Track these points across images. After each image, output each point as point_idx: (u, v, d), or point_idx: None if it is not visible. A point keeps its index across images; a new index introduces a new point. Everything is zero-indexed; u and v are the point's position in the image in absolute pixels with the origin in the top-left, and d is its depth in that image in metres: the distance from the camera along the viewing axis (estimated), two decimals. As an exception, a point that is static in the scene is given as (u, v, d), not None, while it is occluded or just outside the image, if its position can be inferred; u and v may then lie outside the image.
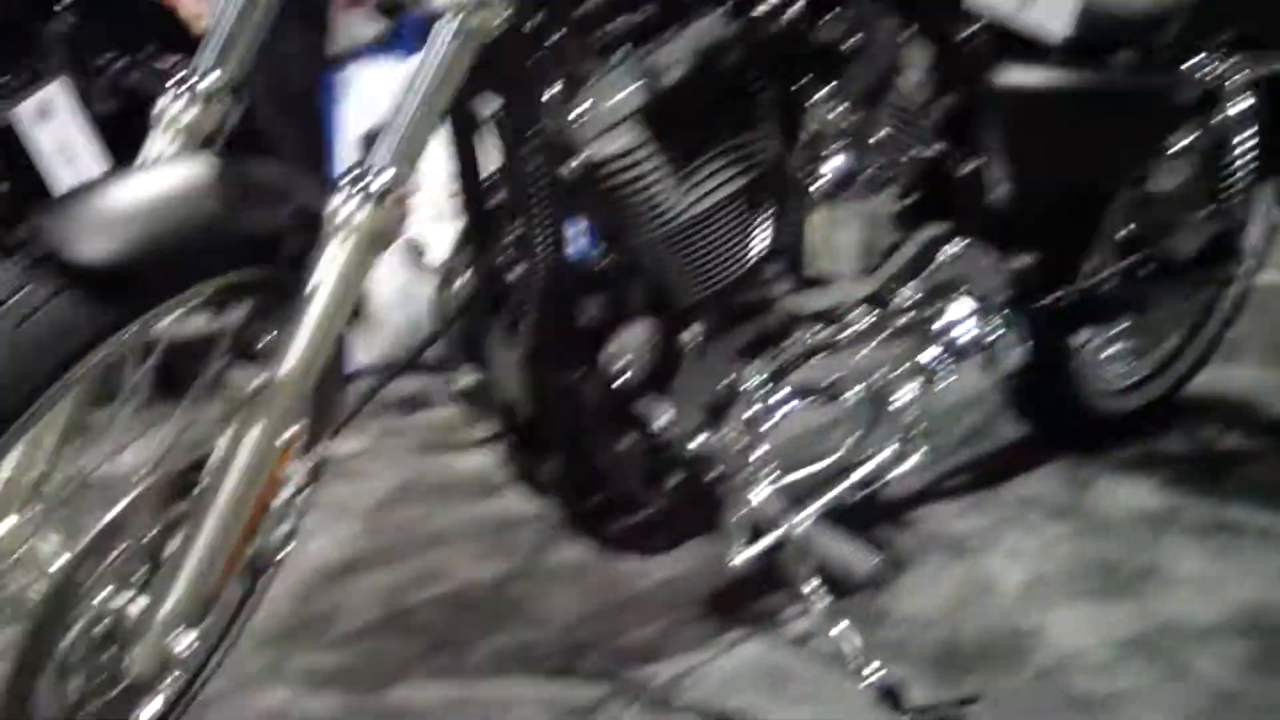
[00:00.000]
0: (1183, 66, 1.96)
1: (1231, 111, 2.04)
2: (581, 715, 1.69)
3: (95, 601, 1.20)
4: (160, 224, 1.09)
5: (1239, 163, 2.08)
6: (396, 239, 1.23)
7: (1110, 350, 2.25)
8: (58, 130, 2.67)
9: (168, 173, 1.18)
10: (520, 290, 1.45)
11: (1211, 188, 2.11)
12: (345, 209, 1.20)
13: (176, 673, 1.27)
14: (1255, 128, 2.06)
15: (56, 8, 2.77)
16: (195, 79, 1.29)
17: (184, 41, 2.94)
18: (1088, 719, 1.63)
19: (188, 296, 1.15)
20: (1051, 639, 1.80)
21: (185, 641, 1.23)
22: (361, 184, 1.20)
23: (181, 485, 1.25)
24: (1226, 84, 2.02)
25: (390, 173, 1.20)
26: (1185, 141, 2.06)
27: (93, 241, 1.06)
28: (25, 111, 2.63)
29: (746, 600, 1.86)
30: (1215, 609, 1.84)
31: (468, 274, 1.51)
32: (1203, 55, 1.97)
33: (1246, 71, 2.03)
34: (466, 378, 1.61)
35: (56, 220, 1.08)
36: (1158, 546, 2.02)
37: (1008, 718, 1.64)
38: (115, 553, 1.20)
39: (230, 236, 1.15)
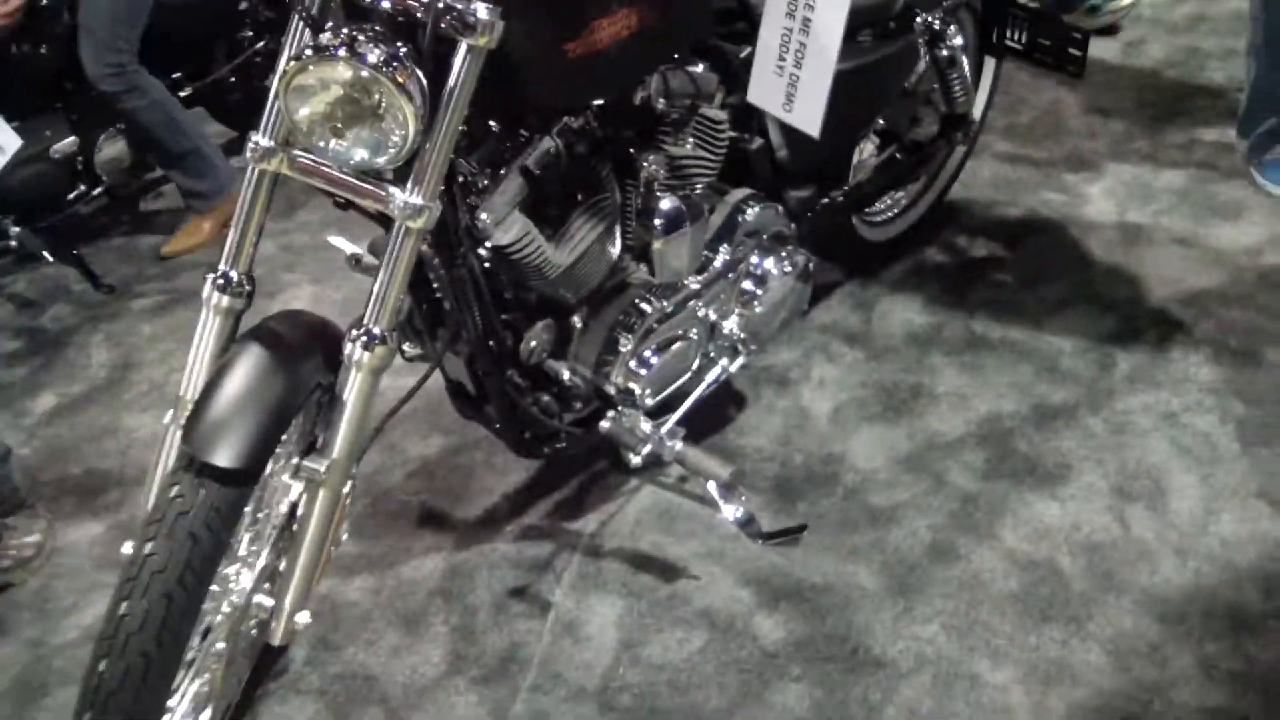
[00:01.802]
0: (912, 26, 2.60)
1: (950, 45, 2.70)
2: (542, 566, 2.44)
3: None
4: (263, 419, 1.73)
5: (959, 72, 2.76)
6: (389, 367, 1.88)
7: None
8: None
9: (256, 377, 1.78)
10: (459, 315, 2.08)
11: (943, 89, 2.79)
12: (356, 354, 1.84)
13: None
14: (965, 50, 2.74)
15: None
16: (226, 271, 1.90)
17: None
18: (881, 529, 2.41)
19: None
20: (852, 462, 2.57)
21: (303, 620, 1.95)
22: (357, 333, 1.84)
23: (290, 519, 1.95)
24: (940, 27, 2.67)
25: (379, 323, 1.84)
26: (919, 75, 2.72)
27: (220, 449, 1.70)
28: None
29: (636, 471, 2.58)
30: (961, 423, 2.61)
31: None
32: (921, 17, 2.61)
33: (950, 15, 2.70)
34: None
35: (196, 421, 1.72)
36: (922, 367, 2.78)
37: (827, 535, 2.41)
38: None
39: (298, 396, 1.80)
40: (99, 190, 3.83)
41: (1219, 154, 3.30)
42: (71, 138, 3.69)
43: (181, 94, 3.91)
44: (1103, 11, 3.87)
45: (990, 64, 3.07)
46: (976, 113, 3.10)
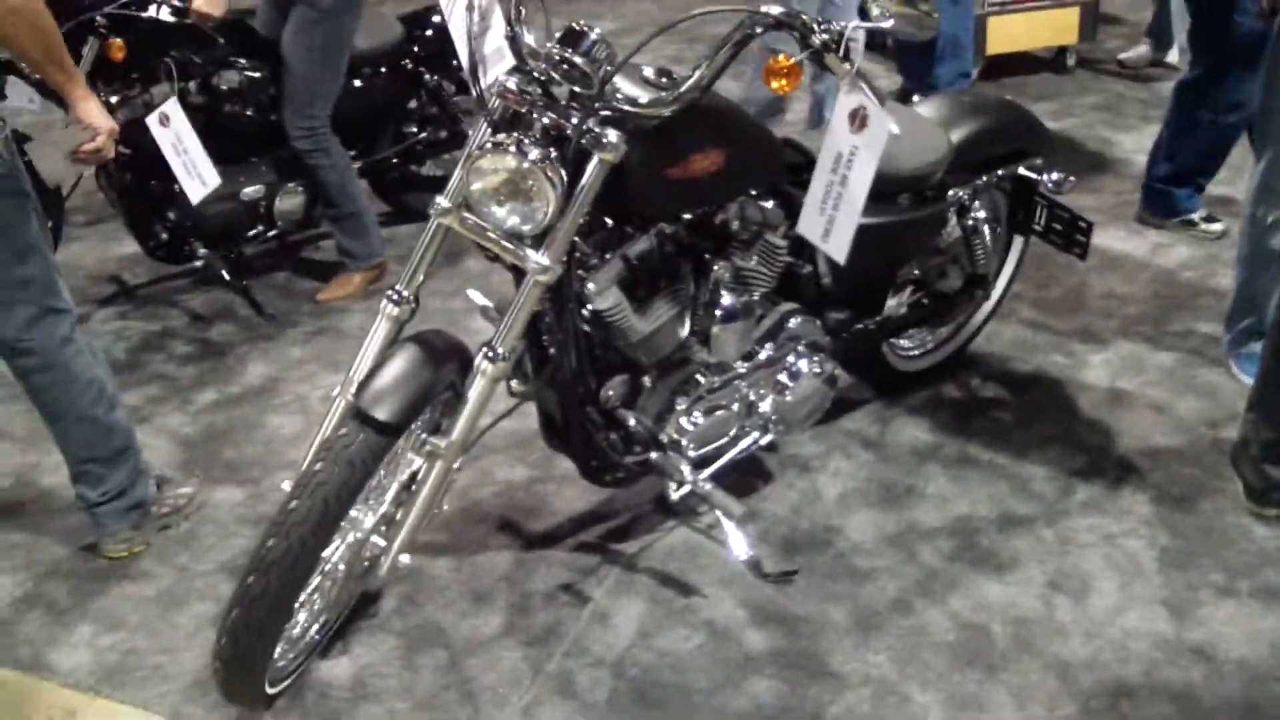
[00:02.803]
0: (945, 197, 3.28)
1: (975, 216, 3.39)
2: (589, 571, 3.08)
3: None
4: (414, 391, 2.42)
5: (981, 241, 3.44)
6: (503, 379, 2.56)
7: (908, 336, 3.64)
8: (175, 133, 3.98)
9: (411, 365, 2.46)
10: (559, 360, 2.75)
11: (968, 252, 3.47)
12: (482, 364, 2.53)
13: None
14: (988, 223, 3.42)
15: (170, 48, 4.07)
16: (400, 291, 2.61)
17: (253, 46, 4.35)
18: (858, 584, 3.02)
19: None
20: (847, 534, 3.19)
21: (404, 560, 2.60)
22: (486, 349, 2.52)
23: (409, 483, 2.62)
24: (969, 201, 3.36)
25: (502, 345, 2.52)
26: (949, 237, 3.41)
27: (381, 405, 2.39)
28: (151, 121, 3.95)
29: (675, 509, 3.23)
30: (940, 517, 3.22)
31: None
32: (953, 191, 3.29)
33: (979, 194, 3.38)
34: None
35: (364, 387, 2.41)
36: (919, 473, 3.40)
37: (815, 581, 3.02)
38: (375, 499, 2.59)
39: (437, 385, 2.48)
40: (273, 233, 4.60)
41: (1208, 344, 3.91)
42: (259, 185, 4.47)
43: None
44: (1196, 228, 4.56)
45: (1019, 241, 3.74)
46: (1002, 280, 3.77)
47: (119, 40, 3.94)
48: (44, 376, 2.96)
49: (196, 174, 4.02)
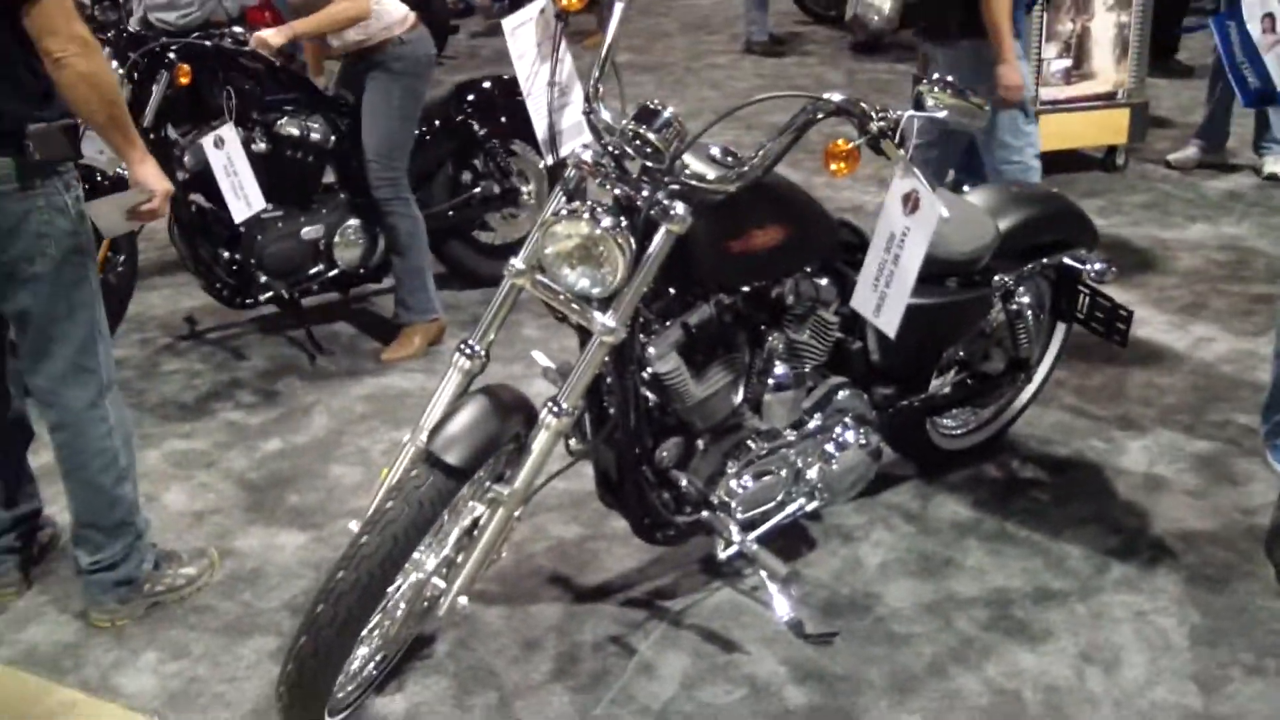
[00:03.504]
0: (991, 282, 3.43)
1: (1019, 302, 3.53)
2: (636, 625, 3.20)
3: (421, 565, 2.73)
4: (482, 439, 2.57)
5: (1025, 326, 3.58)
6: (566, 432, 2.71)
7: (951, 415, 3.76)
8: (228, 155, 4.23)
9: (481, 415, 2.61)
10: (618, 419, 2.89)
11: (1011, 336, 3.60)
12: (547, 418, 2.68)
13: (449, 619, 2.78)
14: (1031, 309, 3.56)
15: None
16: (473, 345, 2.77)
17: (315, 100, 4.67)
18: (896, 648, 3.12)
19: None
20: (886, 600, 3.30)
21: (463, 603, 2.74)
22: (551, 404, 2.67)
23: (471, 528, 2.76)
24: (1014, 287, 3.50)
25: (566, 401, 2.67)
26: (994, 321, 3.55)
27: (452, 450, 2.54)
28: (206, 142, 4.22)
29: (721, 569, 3.35)
30: (977, 589, 3.33)
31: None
32: (999, 276, 3.43)
33: (1024, 281, 3.53)
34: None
35: (436, 433, 2.56)
36: (958, 546, 3.51)
37: (854, 643, 3.13)
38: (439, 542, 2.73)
39: (504, 436, 2.63)
40: (332, 274, 4.81)
41: (1246, 435, 4.01)
42: (320, 225, 4.71)
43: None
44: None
45: (1061, 327, 3.87)
46: (1044, 365, 3.90)
47: (185, 65, 4.29)
48: (62, 434, 3.10)
49: (244, 195, 4.31)
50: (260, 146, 4.48)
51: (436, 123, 4.91)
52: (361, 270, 4.87)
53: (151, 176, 3.05)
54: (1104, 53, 6.30)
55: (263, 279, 4.61)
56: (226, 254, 4.58)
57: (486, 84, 5.07)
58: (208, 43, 4.39)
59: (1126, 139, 6.52)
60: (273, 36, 4.38)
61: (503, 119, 5.00)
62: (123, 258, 4.63)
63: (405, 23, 4.51)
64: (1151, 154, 6.79)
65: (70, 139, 2.91)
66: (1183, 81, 8.08)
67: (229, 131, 4.25)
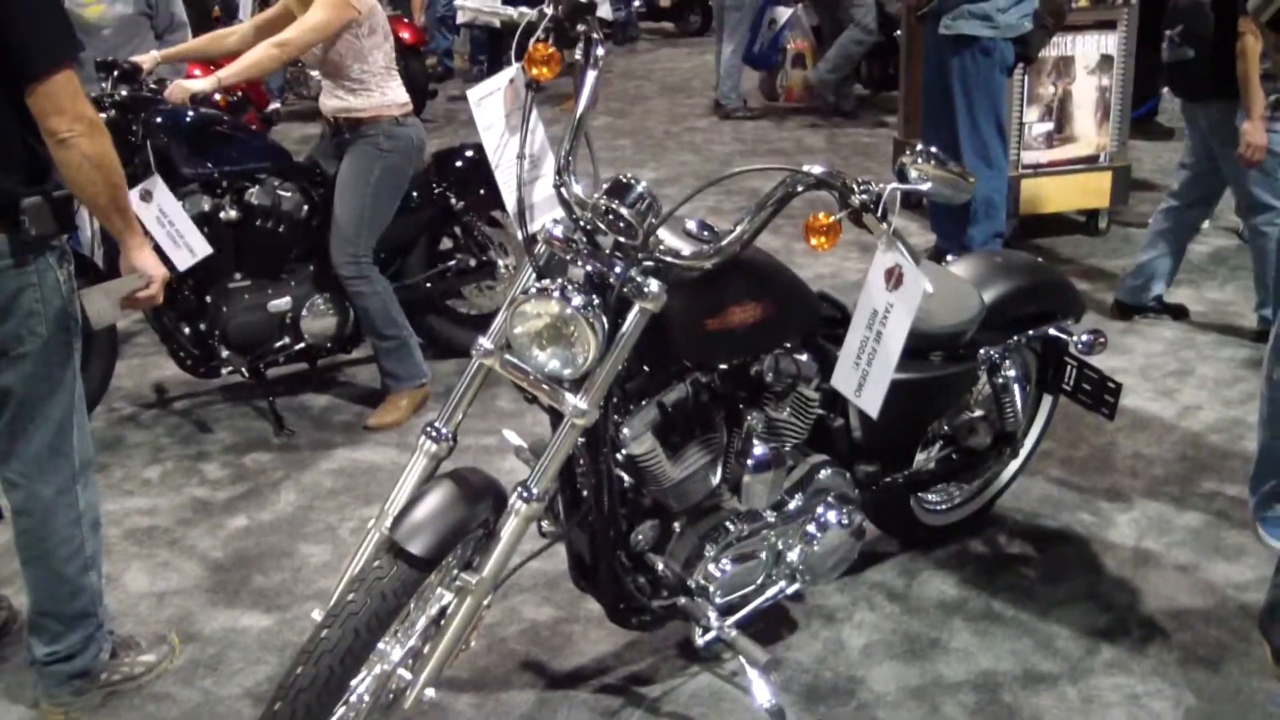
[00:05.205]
0: (976, 355, 3.34)
1: (1005, 374, 3.44)
2: (613, 713, 3.08)
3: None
4: (448, 527, 2.46)
5: (1011, 399, 3.49)
6: (537, 518, 2.60)
7: (935, 491, 3.67)
8: (158, 207, 4.20)
9: (447, 501, 2.52)
10: (591, 502, 2.79)
11: (997, 410, 3.51)
12: (517, 504, 2.57)
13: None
14: (1018, 382, 3.47)
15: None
16: (440, 428, 2.67)
17: (287, 168, 4.60)
18: (880, 736, 3.03)
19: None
20: (870, 685, 3.19)
21: (429, 694, 2.62)
22: (521, 490, 2.57)
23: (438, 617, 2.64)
24: (1000, 360, 3.42)
25: (537, 486, 2.57)
26: (979, 394, 3.46)
27: (416, 540, 2.43)
28: (132, 196, 3.90)
29: (700, 654, 3.23)
30: (964, 671, 3.22)
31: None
32: (984, 349, 3.35)
33: (1010, 353, 3.44)
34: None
35: (400, 521, 2.46)
36: (944, 626, 3.40)
37: (837, 733, 3.04)
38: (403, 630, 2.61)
39: (471, 523, 2.53)
40: (299, 347, 4.71)
41: (1235, 506, 3.92)
42: (287, 298, 4.61)
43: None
44: None
45: (1048, 399, 3.79)
46: (1031, 437, 3.81)
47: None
48: (27, 520, 2.95)
49: (184, 243, 4.20)
50: (230, 214, 4.40)
51: (414, 194, 4.82)
52: (329, 345, 4.77)
53: (150, 262, 2.95)
54: (1085, 116, 6.29)
55: (224, 353, 4.50)
56: (188, 327, 4.48)
57: (468, 153, 4.98)
58: (123, 92, 4.26)
59: (1109, 202, 6.49)
60: (194, 85, 4.33)
61: (482, 191, 4.89)
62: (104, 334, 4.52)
63: (405, 109, 4.50)
64: (1134, 217, 6.76)
65: (64, 212, 2.80)
66: (1163, 143, 8.07)
67: (154, 183, 4.17)
